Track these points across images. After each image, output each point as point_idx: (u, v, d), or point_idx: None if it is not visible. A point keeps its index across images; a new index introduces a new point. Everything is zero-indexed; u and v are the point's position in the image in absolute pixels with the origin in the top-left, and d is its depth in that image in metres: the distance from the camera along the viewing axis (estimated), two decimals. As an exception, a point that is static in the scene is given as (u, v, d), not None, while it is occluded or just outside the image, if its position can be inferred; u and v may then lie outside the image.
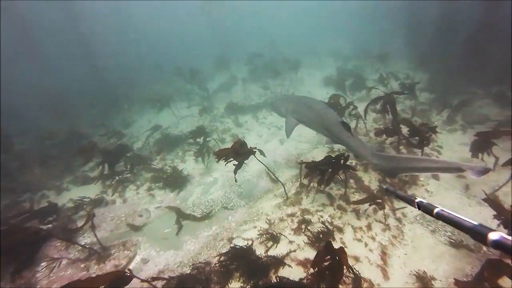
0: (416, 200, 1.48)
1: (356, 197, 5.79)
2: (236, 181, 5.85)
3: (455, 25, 12.25)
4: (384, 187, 2.26)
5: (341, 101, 8.25)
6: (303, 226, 5.16)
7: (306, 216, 5.39)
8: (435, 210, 1.32)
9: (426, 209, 1.39)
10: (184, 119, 11.55)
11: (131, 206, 6.76)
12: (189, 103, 12.31)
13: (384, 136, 6.52)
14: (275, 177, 5.89)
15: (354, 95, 11.34)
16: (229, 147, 5.34)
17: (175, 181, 7.20)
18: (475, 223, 1.11)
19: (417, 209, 1.48)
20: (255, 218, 5.73)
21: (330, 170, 5.12)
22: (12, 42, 21.93)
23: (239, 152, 5.16)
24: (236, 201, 6.38)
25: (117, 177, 7.22)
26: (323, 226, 4.93)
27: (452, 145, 7.16)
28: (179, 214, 6.18)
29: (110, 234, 5.94)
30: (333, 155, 7.34)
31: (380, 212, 5.19)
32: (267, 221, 5.50)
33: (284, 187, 5.96)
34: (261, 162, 5.51)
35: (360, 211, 5.27)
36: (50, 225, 5.96)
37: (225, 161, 5.26)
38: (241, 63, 16.32)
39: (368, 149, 4.68)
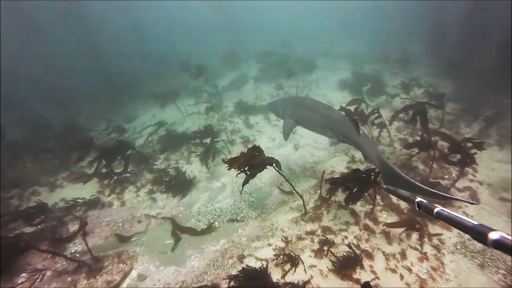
0: (417, 200, 1.51)
1: (384, 216, 5.16)
2: (241, 193, 5.20)
3: (483, 27, 11.52)
4: (384, 186, 2.19)
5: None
6: (325, 248, 4.51)
7: (328, 236, 4.75)
8: (435, 210, 1.33)
9: (427, 208, 1.41)
10: (190, 116, 10.92)
11: (130, 210, 6.13)
12: (196, 100, 11.68)
13: (415, 149, 5.86)
14: (294, 189, 5.23)
15: (372, 101, 10.66)
16: (243, 153, 4.69)
17: (179, 184, 6.57)
18: (475, 222, 1.12)
19: (418, 209, 1.50)
20: (269, 234, 5.09)
21: (358, 187, 4.46)
22: (13, 33, 21.33)
23: (254, 162, 4.50)
24: (247, 212, 5.73)
25: (115, 177, 6.58)
26: (349, 249, 4.28)
27: (489, 162, 6.49)
28: (175, 226, 5.49)
29: (104, 242, 5.31)
30: (354, 166, 6.87)
31: (414, 236, 4.54)
32: (283, 238, 4.86)
33: (303, 200, 5.31)
34: (281, 174, 4.85)
35: (391, 234, 4.62)
36: (38, 227, 5.34)
37: (237, 171, 4.59)
38: (253, 61, 15.70)
39: (375, 151, 4.34)
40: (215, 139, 7.51)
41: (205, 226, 5.41)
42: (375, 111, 7.10)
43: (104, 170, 6.61)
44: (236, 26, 21.49)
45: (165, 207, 6.16)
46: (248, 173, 4.58)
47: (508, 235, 0.99)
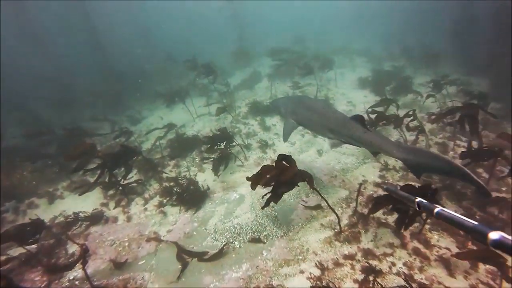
0: (417, 200, 1.50)
1: (435, 238, 4.38)
2: (263, 208, 4.45)
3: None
4: (384, 187, 2.10)
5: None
6: (370, 278, 3.76)
7: (371, 262, 4.00)
8: (435, 210, 1.32)
9: (426, 209, 1.42)
10: (200, 118, 10.23)
11: (137, 226, 5.44)
12: (207, 100, 11.00)
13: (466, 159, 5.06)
14: (330, 207, 4.47)
15: (398, 101, 9.81)
16: (269, 166, 3.96)
17: (192, 196, 5.86)
18: (475, 222, 1.11)
19: (417, 209, 1.49)
20: (299, 257, 4.35)
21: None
22: (15, 30, 20.83)
23: (284, 178, 3.76)
24: (271, 229, 5.00)
25: (120, 188, 5.90)
26: (404, 282, 3.51)
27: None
28: (180, 250, 4.68)
29: (107, 266, 4.62)
30: (388, 174, 6.10)
31: (482, 267, 3.75)
32: (318, 264, 4.12)
33: (338, 218, 4.55)
34: (317, 191, 4.12)
35: (451, 262, 3.84)
36: (33, 246, 4.69)
37: (263, 187, 3.88)
38: (265, 58, 14.97)
39: (391, 142, 4.08)
40: (231, 144, 6.79)
41: (224, 247, 4.68)
42: (410, 113, 6.33)
43: (108, 178, 5.95)
44: (246, 23, 20.64)
45: (177, 223, 5.45)
46: (275, 190, 3.86)
47: (508, 235, 0.97)
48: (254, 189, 3.87)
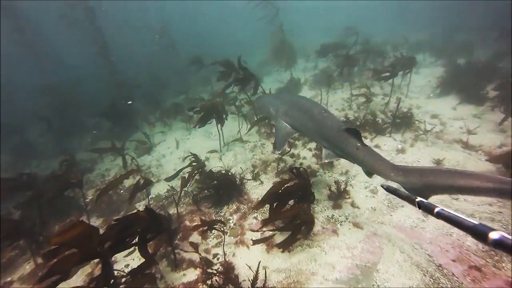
0: (417, 200, 1.49)
1: None
2: None
3: None
4: (384, 186, 1.95)
5: None
6: None
7: None
8: (436, 210, 1.30)
9: (427, 208, 1.38)
10: (230, 146, 7.97)
11: None
12: (239, 119, 8.70)
13: None
14: None
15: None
16: None
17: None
18: (476, 222, 1.10)
19: (418, 209, 1.44)
20: None
21: None
22: (14, 44, 19.72)
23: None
24: None
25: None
26: None
27: None
28: None
29: None
30: None
31: None
32: None
33: None
34: None
35: None
36: None
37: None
38: (299, 61, 12.66)
39: (388, 164, 3.43)
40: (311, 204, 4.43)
41: None
42: None
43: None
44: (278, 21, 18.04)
45: None
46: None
47: (509, 235, 0.96)
48: None
